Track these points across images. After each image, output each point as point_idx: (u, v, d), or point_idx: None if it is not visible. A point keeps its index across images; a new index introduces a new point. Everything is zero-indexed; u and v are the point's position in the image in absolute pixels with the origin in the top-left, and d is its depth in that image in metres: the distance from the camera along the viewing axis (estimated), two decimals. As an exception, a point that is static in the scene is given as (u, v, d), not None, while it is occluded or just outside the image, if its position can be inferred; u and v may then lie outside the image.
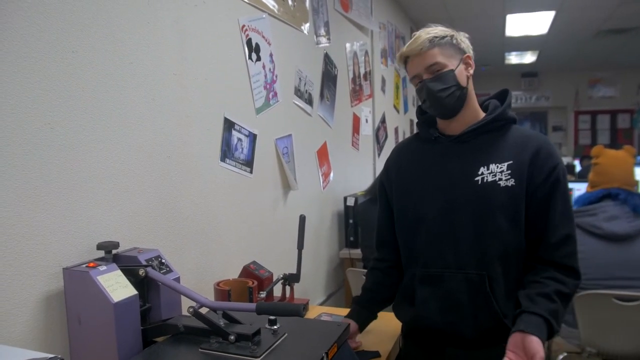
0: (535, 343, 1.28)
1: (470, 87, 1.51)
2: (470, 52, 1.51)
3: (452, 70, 1.46)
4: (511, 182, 1.42)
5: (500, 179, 1.43)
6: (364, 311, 1.67)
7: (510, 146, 1.46)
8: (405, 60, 1.52)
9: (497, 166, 1.44)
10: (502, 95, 1.57)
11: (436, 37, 1.46)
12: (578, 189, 3.86)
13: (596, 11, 5.86)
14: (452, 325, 1.47)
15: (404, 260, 1.61)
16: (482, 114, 1.53)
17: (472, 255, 1.44)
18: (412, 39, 1.49)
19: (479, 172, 1.45)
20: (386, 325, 1.87)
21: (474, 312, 1.44)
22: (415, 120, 1.68)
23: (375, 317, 1.70)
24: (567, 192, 1.45)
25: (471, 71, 1.51)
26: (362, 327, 1.66)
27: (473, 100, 1.53)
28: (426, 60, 1.46)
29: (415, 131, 1.70)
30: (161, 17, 1.62)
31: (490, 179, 1.44)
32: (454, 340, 1.49)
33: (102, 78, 1.39)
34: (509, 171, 1.43)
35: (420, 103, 1.58)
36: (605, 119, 10.42)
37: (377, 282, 1.69)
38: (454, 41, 1.49)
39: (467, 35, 1.53)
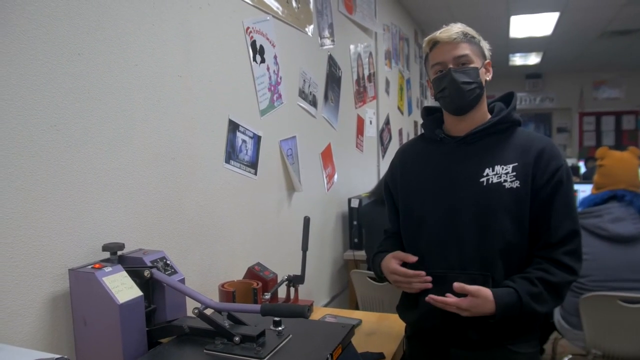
0: (484, 294, 1.34)
1: (485, 90, 1.53)
2: (490, 59, 1.54)
3: (478, 68, 1.48)
4: (516, 184, 1.42)
5: (505, 181, 1.43)
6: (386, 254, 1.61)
7: (515, 148, 1.46)
8: (433, 45, 1.52)
9: (502, 168, 1.44)
10: (508, 98, 1.58)
11: (469, 34, 1.49)
12: (583, 190, 3.85)
13: (601, 12, 5.84)
14: (456, 326, 1.46)
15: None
16: (489, 116, 1.54)
17: (476, 256, 1.44)
18: (446, 27, 1.50)
19: (484, 174, 1.45)
20: (390, 327, 1.87)
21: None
22: (420, 121, 1.68)
23: None
24: (570, 193, 1.45)
25: (489, 77, 1.53)
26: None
27: (484, 103, 1.55)
28: (457, 51, 1.47)
29: (419, 132, 1.70)
30: (166, 20, 1.63)
31: (495, 180, 1.44)
32: (458, 341, 1.49)
33: (108, 80, 1.40)
34: (514, 173, 1.43)
35: (433, 95, 1.57)
36: (610, 121, 10.39)
37: (391, 243, 1.67)
38: (481, 44, 1.52)
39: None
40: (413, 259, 1.51)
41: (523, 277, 1.39)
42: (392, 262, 1.54)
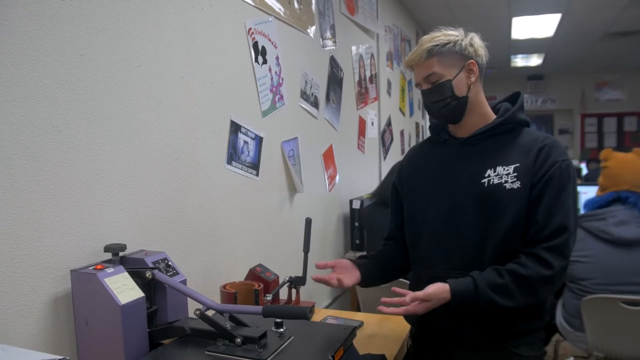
0: (436, 290, 1.36)
1: (476, 92, 1.49)
2: (477, 57, 1.48)
3: (450, 81, 1.45)
4: (517, 185, 1.41)
5: (505, 182, 1.42)
6: (363, 260, 1.63)
7: (519, 149, 1.45)
8: (411, 68, 1.56)
9: (504, 168, 1.44)
10: (514, 98, 1.56)
11: (437, 45, 1.45)
12: (585, 192, 3.84)
13: (603, 13, 5.84)
14: (459, 327, 1.47)
15: (411, 262, 1.63)
16: (493, 117, 1.52)
17: (477, 257, 1.44)
18: (415, 47, 1.51)
19: (486, 175, 1.45)
20: (391, 329, 1.87)
21: (479, 312, 1.43)
22: (422, 123, 1.69)
23: (376, 279, 1.64)
24: (564, 189, 1.39)
25: (473, 78, 1.48)
26: (364, 275, 1.57)
27: (479, 106, 1.51)
28: (424, 71, 1.48)
29: (421, 134, 1.71)
30: (168, 21, 1.63)
31: (496, 181, 1.43)
32: (461, 342, 1.49)
33: (110, 81, 1.40)
34: (515, 174, 1.42)
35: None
36: (612, 122, 10.38)
37: (382, 251, 1.70)
38: (457, 47, 1.46)
39: (479, 36, 1.51)
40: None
41: (493, 269, 1.39)
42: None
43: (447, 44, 1.46)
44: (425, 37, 1.49)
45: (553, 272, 1.36)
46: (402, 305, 1.37)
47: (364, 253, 3.22)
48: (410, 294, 1.37)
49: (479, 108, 1.51)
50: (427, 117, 6.46)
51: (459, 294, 1.36)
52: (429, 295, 1.36)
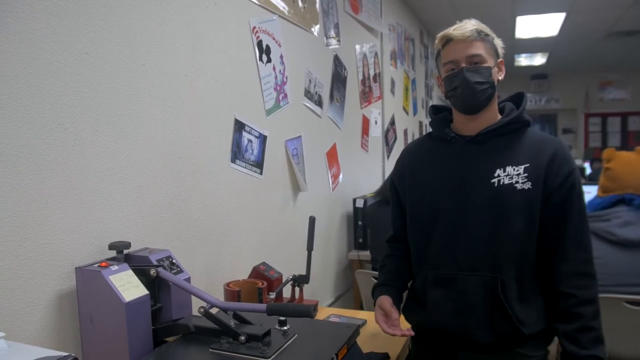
0: None
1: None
2: (502, 58, 1.52)
3: (490, 68, 1.45)
4: (528, 185, 1.40)
5: (517, 182, 1.41)
6: (390, 288, 1.62)
7: (527, 149, 1.45)
8: (446, 42, 1.48)
9: (514, 169, 1.43)
10: (518, 98, 1.55)
11: (483, 31, 1.46)
12: (588, 191, 3.81)
13: (607, 13, 5.82)
14: (466, 329, 1.45)
15: (414, 262, 1.59)
16: (499, 117, 1.52)
17: (485, 258, 1.43)
18: (460, 24, 1.47)
19: (495, 174, 1.43)
20: (395, 327, 1.87)
21: (489, 316, 1.42)
22: (425, 122, 1.68)
23: (402, 299, 1.64)
24: (582, 198, 1.44)
25: (501, 76, 1.51)
26: (397, 305, 1.57)
27: (495, 103, 1.52)
28: (470, 49, 1.44)
29: (425, 132, 1.69)
30: (173, 19, 1.63)
31: (506, 181, 1.42)
32: (467, 344, 1.47)
33: (115, 79, 1.40)
34: (526, 174, 1.41)
35: (443, 93, 1.55)
36: (616, 122, 10.35)
37: (397, 268, 1.66)
38: (495, 42, 1.49)
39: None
40: (395, 315, 1.51)
41: (580, 330, 1.39)
42: (378, 312, 1.55)
43: (489, 35, 1.47)
44: (467, 20, 1.48)
45: (596, 283, 1.45)
46: None
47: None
48: None
49: (495, 105, 1.52)
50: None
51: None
52: None
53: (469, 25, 1.45)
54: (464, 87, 1.43)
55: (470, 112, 1.49)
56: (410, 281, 1.66)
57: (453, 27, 1.46)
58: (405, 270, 1.65)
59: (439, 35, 1.50)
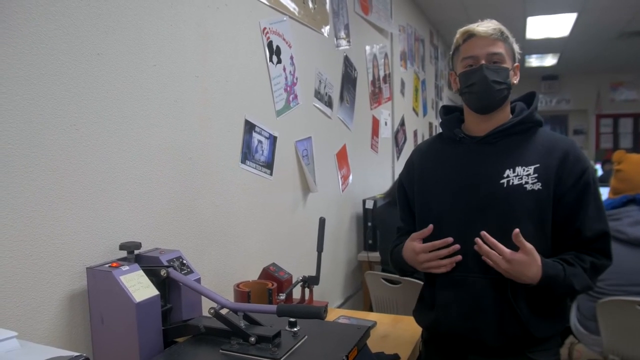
0: (535, 257, 1.33)
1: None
2: (518, 62, 1.51)
3: (509, 69, 1.45)
4: (538, 186, 1.39)
5: (526, 183, 1.40)
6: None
7: (537, 149, 1.43)
8: (467, 37, 1.47)
9: (524, 169, 1.41)
10: (529, 98, 1.54)
11: (504, 32, 1.46)
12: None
13: (619, 12, 5.77)
14: (475, 331, 1.44)
15: None
16: (510, 117, 1.51)
17: None
18: (482, 22, 1.47)
19: (505, 175, 1.42)
20: (405, 330, 1.86)
21: (498, 318, 1.41)
22: (435, 123, 1.67)
23: None
24: (598, 195, 1.43)
25: (516, 80, 1.50)
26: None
27: (508, 105, 1.52)
28: (492, 47, 1.43)
29: (434, 133, 1.68)
30: (184, 20, 1.63)
31: (516, 182, 1.41)
32: (476, 347, 1.46)
33: (126, 80, 1.40)
34: (536, 175, 1.40)
35: (457, 89, 1.53)
36: (628, 123, 10.26)
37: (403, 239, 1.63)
38: (514, 46, 1.49)
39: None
40: (428, 231, 1.47)
41: (573, 255, 1.39)
42: (413, 243, 1.50)
43: (509, 38, 1.47)
44: (489, 20, 1.48)
45: (606, 264, 1.42)
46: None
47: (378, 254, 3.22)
48: (501, 248, 1.35)
49: (508, 107, 1.52)
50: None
51: (549, 277, 1.35)
52: (514, 260, 1.34)
53: (493, 24, 1.46)
54: (482, 84, 1.42)
55: (483, 112, 1.48)
56: None
57: (476, 24, 1.46)
58: None
59: (461, 30, 1.49)
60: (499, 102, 1.45)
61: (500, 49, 1.43)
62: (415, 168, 1.62)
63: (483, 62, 1.43)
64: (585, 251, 1.40)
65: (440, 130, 1.63)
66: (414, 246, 1.49)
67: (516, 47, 1.51)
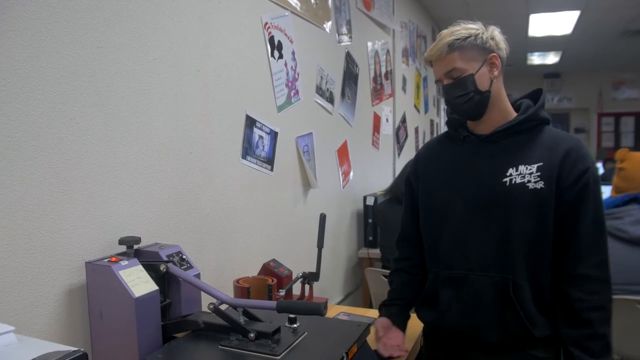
0: None
1: (497, 87, 1.46)
2: (498, 50, 1.45)
3: (472, 75, 1.41)
4: (540, 185, 1.38)
5: (529, 181, 1.39)
6: (393, 307, 1.64)
7: (541, 148, 1.42)
8: (429, 64, 1.52)
9: (527, 168, 1.40)
10: (536, 95, 1.52)
11: (457, 39, 1.41)
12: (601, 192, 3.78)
13: (622, 11, 5.75)
14: (476, 328, 1.44)
15: (427, 260, 1.59)
16: (514, 114, 1.49)
17: (497, 258, 1.41)
18: (435, 42, 1.47)
19: (508, 173, 1.41)
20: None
21: (499, 316, 1.40)
22: (437, 120, 1.67)
23: (408, 316, 1.66)
24: (598, 197, 1.40)
25: (496, 72, 1.44)
26: (399, 324, 1.61)
27: (501, 101, 1.48)
28: (445, 66, 1.43)
29: (435, 131, 1.68)
30: (185, 14, 1.62)
31: (518, 180, 1.39)
32: (476, 344, 1.46)
33: (127, 74, 1.40)
34: (539, 173, 1.38)
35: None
36: (629, 121, 10.23)
37: (403, 284, 1.67)
38: (479, 41, 1.42)
39: (498, 30, 1.47)
40: (391, 334, 1.56)
41: (589, 337, 1.36)
42: (378, 328, 1.59)
43: (468, 37, 1.42)
44: (445, 31, 1.46)
45: (609, 289, 1.41)
46: None
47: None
48: None
49: (500, 103, 1.48)
50: (443, 114, 6.43)
51: None
52: None
53: (441, 41, 1.44)
54: (449, 103, 1.48)
55: (472, 120, 1.50)
56: (418, 293, 1.65)
57: (431, 46, 1.48)
58: (411, 286, 1.66)
59: (424, 58, 1.55)
60: (476, 109, 1.45)
61: (453, 63, 1.41)
62: (421, 165, 1.63)
63: (444, 82, 1.46)
64: (589, 279, 1.38)
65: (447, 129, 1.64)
66: (378, 330, 1.58)
67: (486, 36, 1.43)
